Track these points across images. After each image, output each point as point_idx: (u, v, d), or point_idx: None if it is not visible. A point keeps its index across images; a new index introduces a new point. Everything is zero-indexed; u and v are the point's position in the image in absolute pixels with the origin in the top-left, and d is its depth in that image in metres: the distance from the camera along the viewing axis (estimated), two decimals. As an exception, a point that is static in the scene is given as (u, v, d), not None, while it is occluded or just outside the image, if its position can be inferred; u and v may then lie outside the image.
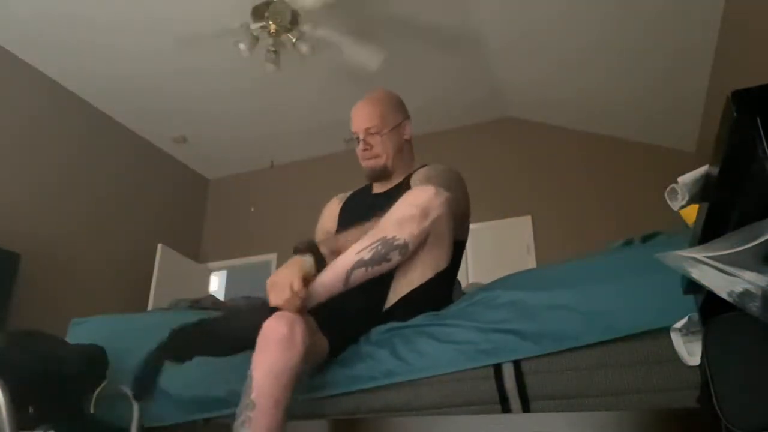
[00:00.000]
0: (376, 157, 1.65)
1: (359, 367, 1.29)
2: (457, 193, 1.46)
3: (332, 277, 1.24)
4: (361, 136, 1.65)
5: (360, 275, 1.24)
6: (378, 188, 1.72)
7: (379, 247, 1.23)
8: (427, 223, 1.26)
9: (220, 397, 1.39)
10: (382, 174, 1.68)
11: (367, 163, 1.68)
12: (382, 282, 1.36)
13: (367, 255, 1.23)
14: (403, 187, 1.59)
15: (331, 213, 1.79)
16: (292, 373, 1.12)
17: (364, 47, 3.67)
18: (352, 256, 1.24)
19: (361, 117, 1.66)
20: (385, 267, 1.26)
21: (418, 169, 1.67)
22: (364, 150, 1.65)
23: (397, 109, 1.71)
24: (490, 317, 1.23)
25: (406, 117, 1.73)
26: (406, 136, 1.72)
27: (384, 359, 1.28)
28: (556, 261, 1.59)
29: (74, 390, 1.33)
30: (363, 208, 1.64)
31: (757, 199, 0.65)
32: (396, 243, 1.24)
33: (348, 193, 1.84)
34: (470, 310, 1.29)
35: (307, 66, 4.02)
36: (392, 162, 1.67)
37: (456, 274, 1.65)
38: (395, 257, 1.26)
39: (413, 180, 1.60)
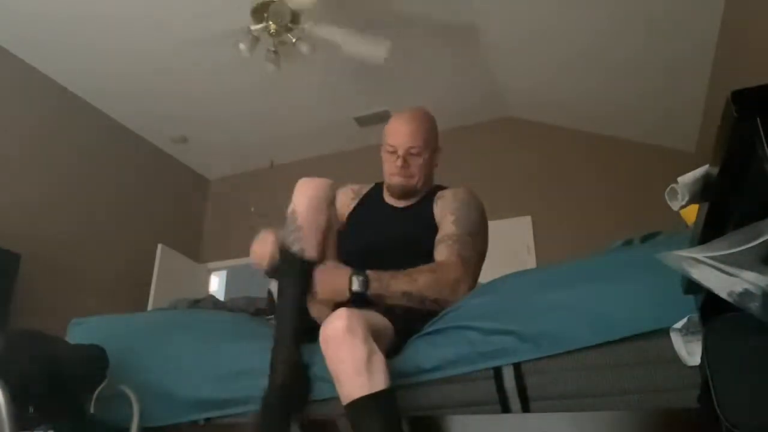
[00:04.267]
0: (411, 176, 1.64)
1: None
2: (480, 226, 1.60)
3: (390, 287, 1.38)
4: (401, 153, 1.62)
5: (397, 301, 1.40)
6: (393, 200, 1.71)
7: (420, 299, 1.40)
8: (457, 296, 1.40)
9: (222, 398, 1.39)
10: (409, 194, 1.68)
11: (397, 180, 1.65)
12: None
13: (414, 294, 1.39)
14: (424, 205, 1.64)
15: (342, 204, 1.77)
16: None
17: (367, 39, 3.55)
18: (405, 287, 1.39)
19: (406, 134, 1.63)
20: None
21: (443, 191, 1.68)
22: (402, 167, 1.62)
23: (437, 135, 1.71)
24: (490, 318, 1.23)
25: (439, 145, 1.73)
26: (436, 163, 1.73)
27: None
28: (556, 261, 1.59)
29: (74, 390, 1.33)
30: (382, 221, 1.66)
31: (757, 199, 0.65)
32: (430, 301, 1.41)
33: (360, 189, 1.82)
34: (469, 312, 1.29)
35: (308, 66, 4.01)
36: (422, 185, 1.67)
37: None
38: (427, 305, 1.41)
39: (439, 209, 1.62)
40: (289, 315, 1.34)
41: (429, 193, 1.70)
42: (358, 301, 1.34)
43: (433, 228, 1.59)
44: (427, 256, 1.50)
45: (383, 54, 3.57)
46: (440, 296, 1.39)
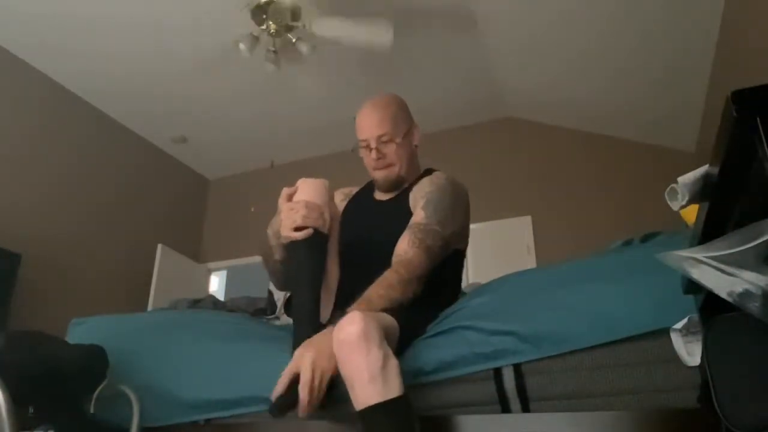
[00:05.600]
0: (390, 166, 1.57)
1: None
2: (453, 212, 1.50)
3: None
4: (373, 144, 1.55)
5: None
6: (380, 194, 1.66)
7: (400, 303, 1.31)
8: (419, 285, 1.34)
9: (222, 398, 1.39)
10: (396, 184, 1.61)
11: (379, 173, 1.59)
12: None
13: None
14: (403, 198, 1.57)
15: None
16: None
17: (370, 28, 3.46)
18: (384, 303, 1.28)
19: (372, 123, 1.56)
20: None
21: (421, 178, 1.61)
22: (378, 159, 1.56)
23: (407, 114, 1.64)
24: (489, 319, 1.23)
25: (414, 122, 1.66)
26: (416, 143, 1.64)
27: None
28: (556, 261, 1.59)
29: (74, 390, 1.32)
30: (366, 217, 1.61)
31: (757, 198, 0.65)
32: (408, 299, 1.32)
33: (351, 191, 1.79)
34: (469, 312, 1.29)
35: (307, 66, 4.01)
36: (406, 171, 1.60)
37: (459, 283, 1.64)
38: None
39: (413, 194, 1.56)
40: (307, 293, 1.33)
41: (415, 182, 1.63)
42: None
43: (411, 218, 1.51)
44: None
45: (389, 39, 3.43)
46: (411, 294, 1.32)
